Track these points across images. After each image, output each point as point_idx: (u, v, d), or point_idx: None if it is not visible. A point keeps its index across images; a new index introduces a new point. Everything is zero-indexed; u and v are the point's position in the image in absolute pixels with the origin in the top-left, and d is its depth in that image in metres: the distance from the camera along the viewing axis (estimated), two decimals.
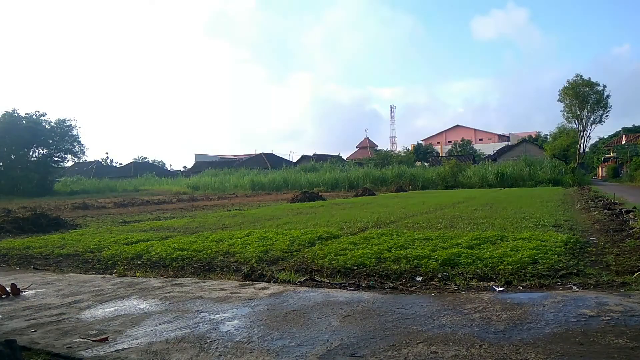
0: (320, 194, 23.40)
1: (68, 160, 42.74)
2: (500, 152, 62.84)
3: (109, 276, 5.44)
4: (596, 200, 14.11)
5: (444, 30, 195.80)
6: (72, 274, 5.64)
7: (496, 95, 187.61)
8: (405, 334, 2.94)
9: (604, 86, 43.19)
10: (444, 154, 74.30)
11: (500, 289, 4.09)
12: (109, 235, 8.57)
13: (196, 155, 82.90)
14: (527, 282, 4.27)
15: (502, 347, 2.64)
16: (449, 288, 4.20)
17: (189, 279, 5.07)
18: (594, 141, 69.30)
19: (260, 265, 5.41)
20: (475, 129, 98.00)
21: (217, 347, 2.83)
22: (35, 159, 38.29)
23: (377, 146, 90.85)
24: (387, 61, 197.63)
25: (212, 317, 3.49)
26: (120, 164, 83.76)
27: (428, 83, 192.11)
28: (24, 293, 4.54)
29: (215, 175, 47.89)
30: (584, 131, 45.05)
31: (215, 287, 4.54)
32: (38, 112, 38.11)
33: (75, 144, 40.17)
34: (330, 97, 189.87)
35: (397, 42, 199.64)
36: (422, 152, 79.47)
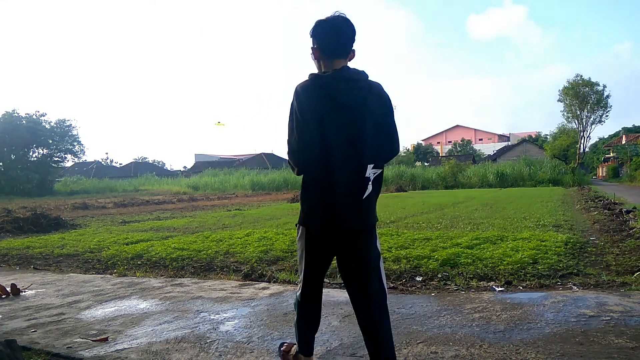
0: None
1: (68, 160, 42.75)
2: (500, 152, 62.78)
3: (109, 276, 5.44)
4: (596, 200, 14.10)
5: (442, 29, 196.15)
6: (72, 274, 5.64)
7: (496, 94, 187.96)
8: (405, 334, 2.94)
9: (604, 86, 43.22)
10: (444, 154, 74.24)
11: (500, 289, 4.09)
12: (109, 235, 8.58)
13: (196, 155, 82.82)
14: (527, 282, 4.27)
15: (502, 347, 2.64)
16: (449, 288, 4.20)
17: (189, 279, 5.08)
18: (594, 141, 69.30)
19: (260, 265, 5.41)
20: (475, 129, 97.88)
21: (217, 347, 2.83)
22: (35, 159, 38.25)
23: None
24: (386, 60, 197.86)
25: (212, 317, 3.49)
26: (120, 164, 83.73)
27: (428, 82, 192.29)
28: (24, 293, 4.54)
29: (215, 175, 47.81)
30: (584, 131, 45.04)
31: (215, 287, 4.55)
32: (38, 112, 38.14)
33: (75, 144, 40.16)
34: None
35: (396, 40, 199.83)
36: (422, 152, 79.36)
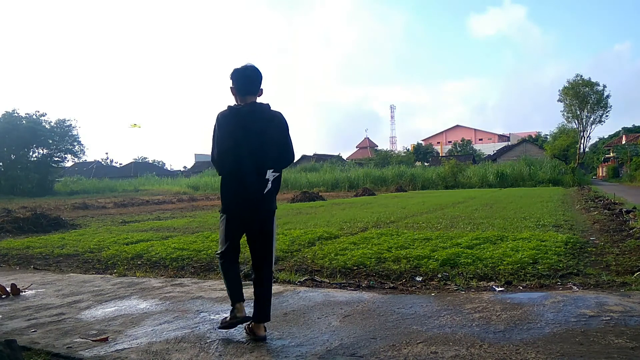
0: (320, 194, 23.41)
1: (68, 160, 42.66)
2: (500, 152, 62.71)
3: (109, 276, 5.44)
4: (596, 200, 14.10)
5: (441, 29, 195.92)
6: (72, 274, 5.65)
7: (496, 94, 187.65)
8: (405, 334, 2.94)
9: (604, 86, 43.22)
10: (444, 154, 74.16)
11: (500, 289, 4.09)
12: (109, 235, 8.57)
13: (196, 155, 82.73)
14: (527, 282, 4.27)
15: (502, 347, 2.64)
16: (449, 288, 4.20)
17: (189, 279, 5.08)
18: (594, 141, 69.26)
19: None
20: (475, 129, 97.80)
21: (217, 347, 2.83)
22: (35, 159, 38.19)
23: (377, 146, 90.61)
24: (387, 60, 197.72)
25: (212, 317, 3.49)
26: (120, 164, 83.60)
27: (428, 82, 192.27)
28: (24, 293, 4.54)
29: (215, 175, 47.61)
30: (584, 131, 45.02)
31: (215, 287, 4.55)
32: (38, 112, 38.04)
33: (75, 144, 40.06)
34: (330, 97, 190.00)
35: (396, 40, 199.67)
36: (422, 152, 79.31)
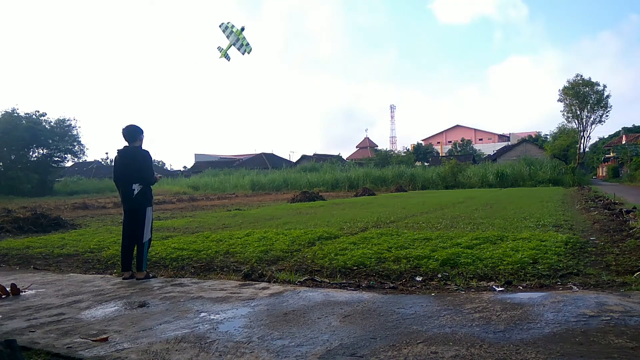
0: (320, 194, 23.39)
1: (68, 160, 42.60)
2: (500, 152, 62.63)
3: (109, 276, 5.44)
4: (596, 200, 14.10)
5: (441, 29, 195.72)
6: (72, 274, 5.65)
7: (496, 93, 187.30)
8: (406, 334, 2.94)
9: (604, 86, 43.27)
10: (444, 154, 74.10)
11: (500, 289, 4.09)
12: (109, 235, 8.58)
13: (196, 155, 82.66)
14: (527, 282, 4.27)
15: (502, 347, 2.64)
16: (449, 288, 4.20)
17: (189, 279, 5.08)
18: (594, 141, 69.30)
19: (260, 265, 5.41)
20: (475, 129, 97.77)
21: (217, 347, 2.83)
22: (35, 159, 38.15)
23: (377, 146, 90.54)
24: (387, 60, 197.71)
25: (212, 317, 3.49)
26: None
27: (428, 82, 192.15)
28: (24, 293, 4.54)
29: (215, 175, 47.79)
30: (584, 131, 45.08)
31: (215, 287, 4.55)
32: (38, 112, 37.93)
33: (75, 143, 39.99)
34: (330, 97, 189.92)
35: (396, 40, 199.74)
36: (422, 152, 79.33)
